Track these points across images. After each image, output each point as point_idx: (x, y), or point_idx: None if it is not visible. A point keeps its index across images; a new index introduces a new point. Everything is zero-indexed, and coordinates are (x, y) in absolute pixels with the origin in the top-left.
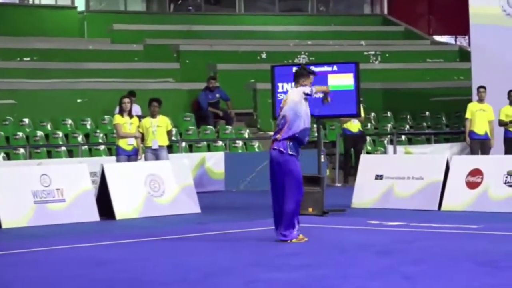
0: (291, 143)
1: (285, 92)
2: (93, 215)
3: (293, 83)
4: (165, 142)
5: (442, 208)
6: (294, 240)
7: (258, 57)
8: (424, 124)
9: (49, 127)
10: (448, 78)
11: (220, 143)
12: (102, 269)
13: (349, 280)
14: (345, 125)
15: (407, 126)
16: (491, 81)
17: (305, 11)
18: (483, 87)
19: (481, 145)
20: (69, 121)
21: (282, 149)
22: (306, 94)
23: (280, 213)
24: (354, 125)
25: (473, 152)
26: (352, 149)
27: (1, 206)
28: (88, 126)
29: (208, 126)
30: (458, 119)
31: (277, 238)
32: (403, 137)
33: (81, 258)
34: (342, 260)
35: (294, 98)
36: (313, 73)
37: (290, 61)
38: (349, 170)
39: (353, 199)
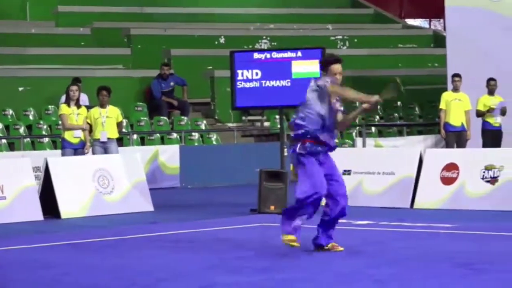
0: None
1: (246, 80)
2: (36, 214)
3: (322, 71)
4: (115, 134)
5: (415, 206)
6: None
7: (216, 42)
8: (396, 115)
9: None
10: (422, 65)
11: (174, 135)
12: (44, 273)
13: (314, 284)
14: None
15: (377, 117)
16: (467, 68)
17: None
18: (458, 75)
19: (457, 138)
20: (10, 112)
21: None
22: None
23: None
24: None
25: (448, 145)
26: None
27: None
28: (31, 117)
29: (162, 117)
30: (432, 110)
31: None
32: (373, 129)
33: (22, 261)
34: (306, 263)
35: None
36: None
37: (250, 46)
38: None
39: None
